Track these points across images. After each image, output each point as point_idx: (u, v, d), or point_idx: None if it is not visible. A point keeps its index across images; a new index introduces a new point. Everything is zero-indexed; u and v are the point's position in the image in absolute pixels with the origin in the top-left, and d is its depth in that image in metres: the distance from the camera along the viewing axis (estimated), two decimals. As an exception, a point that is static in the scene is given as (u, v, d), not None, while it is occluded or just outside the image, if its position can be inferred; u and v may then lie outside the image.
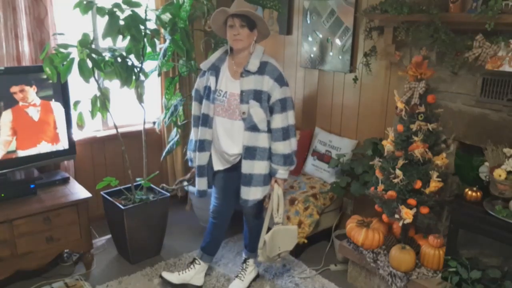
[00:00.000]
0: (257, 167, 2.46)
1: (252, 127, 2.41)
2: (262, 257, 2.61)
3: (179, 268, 2.98)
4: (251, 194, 2.50)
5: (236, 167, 2.55)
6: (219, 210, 2.70)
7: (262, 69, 2.41)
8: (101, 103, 2.90)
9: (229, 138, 2.48)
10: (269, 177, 2.54)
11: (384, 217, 2.63)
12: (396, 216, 2.50)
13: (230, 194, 2.63)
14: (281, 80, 2.43)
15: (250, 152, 2.44)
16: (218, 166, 2.59)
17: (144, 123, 3.11)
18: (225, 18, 2.40)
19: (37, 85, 2.77)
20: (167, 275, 2.75)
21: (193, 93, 2.65)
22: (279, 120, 2.43)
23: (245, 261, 2.86)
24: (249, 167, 2.46)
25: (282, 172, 2.50)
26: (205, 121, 2.54)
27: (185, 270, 2.78)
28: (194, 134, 2.64)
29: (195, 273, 2.77)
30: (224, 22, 2.43)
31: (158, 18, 2.96)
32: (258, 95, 2.39)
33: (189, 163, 2.80)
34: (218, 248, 2.85)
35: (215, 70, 2.50)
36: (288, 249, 2.65)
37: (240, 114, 2.42)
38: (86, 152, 3.45)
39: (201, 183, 2.63)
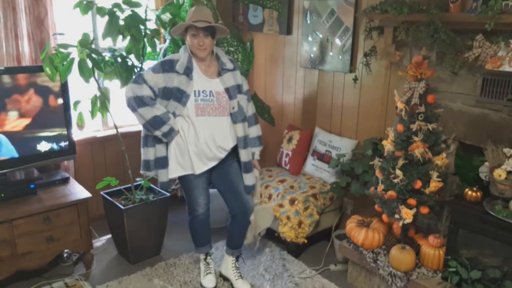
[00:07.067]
0: (249, 153, 2.69)
1: (244, 119, 2.62)
2: (248, 240, 2.81)
3: (178, 269, 2.99)
4: (252, 179, 2.69)
5: (221, 161, 2.64)
6: (207, 205, 2.73)
7: (233, 65, 2.62)
8: (101, 103, 2.90)
9: (224, 134, 2.57)
10: None
11: (384, 217, 2.63)
12: (396, 216, 2.50)
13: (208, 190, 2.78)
14: (242, 73, 2.71)
15: (245, 141, 2.64)
16: (200, 168, 2.59)
17: (144, 123, 3.10)
18: (186, 27, 2.46)
19: None
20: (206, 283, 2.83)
21: (139, 80, 2.48)
22: (250, 108, 2.73)
23: (237, 259, 2.86)
24: (246, 154, 2.65)
25: (258, 153, 2.77)
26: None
27: (211, 270, 2.86)
28: (156, 110, 2.46)
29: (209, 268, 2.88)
30: (184, 29, 2.48)
31: (158, 18, 2.97)
32: (239, 89, 2.61)
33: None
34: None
35: (190, 72, 2.50)
36: (267, 226, 2.85)
37: (230, 109, 2.57)
38: (86, 152, 3.45)
39: (164, 174, 2.64)
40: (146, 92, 2.47)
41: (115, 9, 2.65)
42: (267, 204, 2.93)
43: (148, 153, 2.63)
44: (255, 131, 2.73)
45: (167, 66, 2.48)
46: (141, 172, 2.71)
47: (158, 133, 2.51)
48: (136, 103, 2.47)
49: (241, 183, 2.68)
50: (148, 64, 3.17)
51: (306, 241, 3.05)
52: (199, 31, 2.41)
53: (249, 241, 2.86)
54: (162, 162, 2.62)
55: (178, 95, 2.47)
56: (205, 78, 2.53)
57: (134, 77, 2.58)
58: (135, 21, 2.69)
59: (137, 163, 3.33)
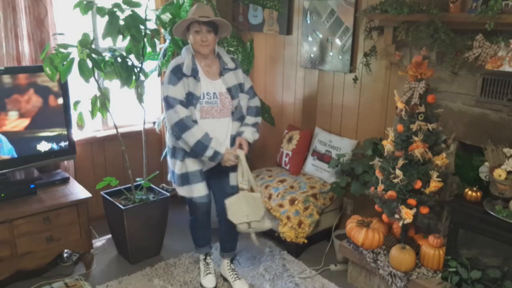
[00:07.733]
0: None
1: (241, 117, 2.61)
2: (238, 228, 2.65)
3: (178, 269, 2.99)
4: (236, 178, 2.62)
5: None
6: (208, 205, 2.71)
7: (235, 64, 2.61)
8: (101, 103, 2.90)
9: (226, 135, 2.57)
10: None
11: (384, 217, 2.63)
12: (396, 216, 2.50)
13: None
14: (244, 71, 2.69)
15: (235, 140, 2.60)
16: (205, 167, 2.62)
17: (144, 123, 3.11)
18: (188, 24, 2.44)
19: None
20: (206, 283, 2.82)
21: (170, 101, 2.44)
22: (252, 102, 2.68)
23: (231, 260, 2.88)
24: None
25: (249, 134, 2.58)
26: None
27: (210, 270, 2.86)
28: (197, 133, 2.43)
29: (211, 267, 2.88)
30: (186, 27, 2.47)
31: (158, 18, 2.97)
32: (241, 87, 2.60)
33: (212, 156, 2.47)
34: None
35: (197, 74, 2.49)
36: (257, 219, 2.56)
37: (232, 109, 2.57)
38: (86, 152, 3.45)
39: (203, 188, 2.60)
40: (182, 112, 2.41)
41: (115, 9, 2.65)
42: (255, 193, 2.57)
43: (174, 166, 2.60)
44: (251, 119, 2.63)
45: (179, 74, 2.45)
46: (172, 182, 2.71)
47: (204, 158, 2.48)
48: (179, 129, 2.42)
49: (228, 184, 2.64)
50: (148, 64, 3.18)
51: (306, 241, 3.05)
52: (202, 27, 2.40)
53: (239, 230, 2.62)
54: (199, 177, 2.56)
55: (189, 98, 2.45)
56: (208, 80, 2.52)
57: (164, 104, 2.47)
58: (135, 21, 2.69)
59: (137, 163, 3.35)
